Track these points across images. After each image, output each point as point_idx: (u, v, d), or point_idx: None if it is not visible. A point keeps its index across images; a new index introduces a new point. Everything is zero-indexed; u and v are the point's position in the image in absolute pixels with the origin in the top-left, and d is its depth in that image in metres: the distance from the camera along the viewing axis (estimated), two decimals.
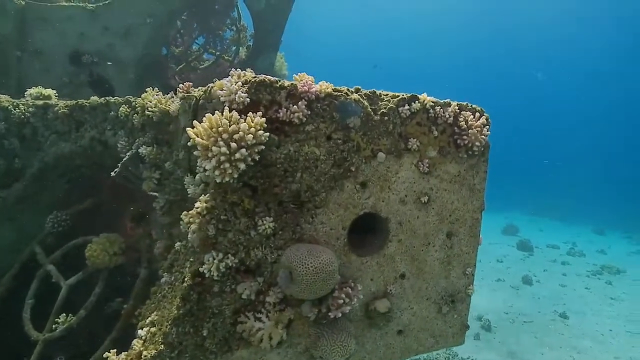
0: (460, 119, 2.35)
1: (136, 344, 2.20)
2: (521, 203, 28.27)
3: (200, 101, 2.49)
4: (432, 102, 2.31)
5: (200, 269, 1.95)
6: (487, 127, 2.40)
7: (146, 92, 3.27)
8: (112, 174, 3.24)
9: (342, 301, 2.06)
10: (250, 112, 1.85)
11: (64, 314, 3.26)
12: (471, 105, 2.45)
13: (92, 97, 3.98)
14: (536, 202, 27.74)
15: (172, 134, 3.07)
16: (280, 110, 1.96)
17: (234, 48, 9.70)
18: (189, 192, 2.38)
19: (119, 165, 3.21)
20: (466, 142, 2.35)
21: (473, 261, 2.63)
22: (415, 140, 2.27)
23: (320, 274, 1.92)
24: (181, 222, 2.32)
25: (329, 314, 2.07)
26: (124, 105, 3.60)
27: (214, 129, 1.76)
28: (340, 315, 2.06)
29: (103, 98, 3.89)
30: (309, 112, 2.00)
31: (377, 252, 2.32)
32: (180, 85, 2.83)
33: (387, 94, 2.29)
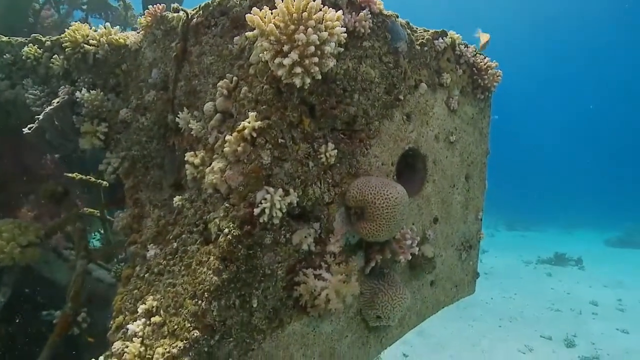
0: (479, 60, 2.37)
1: (129, 345, 1.53)
2: None
3: (196, 19, 1.94)
4: (459, 39, 2.26)
5: (255, 211, 1.45)
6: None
7: (73, 25, 2.45)
8: (26, 130, 2.30)
9: (409, 242, 1.80)
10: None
11: None
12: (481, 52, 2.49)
13: None
14: None
15: (125, 75, 2.34)
16: (344, 17, 1.62)
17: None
18: (192, 130, 1.80)
19: (40, 117, 2.29)
20: (486, 82, 2.37)
21: (482, 206, 2.66)
22: (447, 75, 2.18)
23: (398, 206, 1.63)
24: (187, 167, 1.74)
25: (398, 258, 1.78)
26: (30, 45, 2.63)
27: (294, 15, 1.33)
28: (410, 257, 1.80)
29: None
30: (371, 25, 1.71)
31: (417, 194, 2.13)
32: (149, 7, 2.18)
33: (417, 28, 2.15)
